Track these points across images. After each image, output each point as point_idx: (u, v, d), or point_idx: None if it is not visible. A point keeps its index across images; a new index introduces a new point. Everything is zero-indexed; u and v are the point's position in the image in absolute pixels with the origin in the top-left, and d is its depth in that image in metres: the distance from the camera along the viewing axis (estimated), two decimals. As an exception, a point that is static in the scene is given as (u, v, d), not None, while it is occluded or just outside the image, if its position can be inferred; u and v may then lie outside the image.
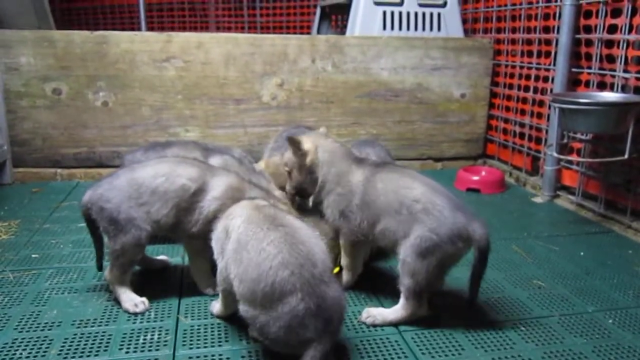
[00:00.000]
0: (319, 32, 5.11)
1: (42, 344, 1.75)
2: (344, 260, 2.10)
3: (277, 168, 2.49)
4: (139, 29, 5.21)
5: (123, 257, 1.94)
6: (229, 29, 6.10)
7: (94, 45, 3.51)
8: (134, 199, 1.92)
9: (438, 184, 1.91)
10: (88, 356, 1.69)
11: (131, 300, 1.97)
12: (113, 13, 6.23)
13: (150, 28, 5.67)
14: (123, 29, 3.70)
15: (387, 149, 2.90)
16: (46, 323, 1.88)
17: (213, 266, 1.96)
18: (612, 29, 2.94)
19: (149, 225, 1.93)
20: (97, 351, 1.72)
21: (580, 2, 3.09)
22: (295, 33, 5.80)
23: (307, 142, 2.07)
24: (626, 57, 2.83)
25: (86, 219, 1.98)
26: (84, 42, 3.50)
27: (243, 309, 1.58)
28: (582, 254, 2.55)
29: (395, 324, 1.89)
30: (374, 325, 1.89)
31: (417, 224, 1.81)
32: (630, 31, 2.81)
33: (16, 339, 1.77)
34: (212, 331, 1.85)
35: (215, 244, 1.77)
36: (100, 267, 2.10)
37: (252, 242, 1.58)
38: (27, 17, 4.18)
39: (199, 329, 1.86)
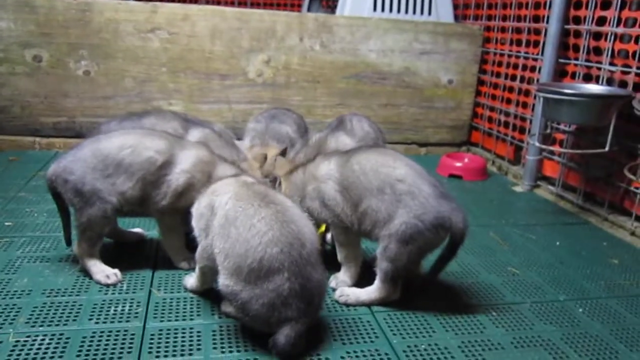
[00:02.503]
0: (309, 10, 5.04)
1: (10, 312, 1.72)
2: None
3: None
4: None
5: (90, 229, 1.91)
6: (218, 3, 5.98)
7: (77, 12, 3.42)
8: (99, 171, 1.87)
9: (420, 166, 1.89)
10: (57, 325, 1.67)
11: (102, 271, 1.95)
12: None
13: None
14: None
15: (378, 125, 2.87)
16: (15, 291, 1.85)
17: (187, 241, 1.95)
18: (601, 21, 2.93)
19: (115, 198, 1.89)
20: (67, 321, 1.70)
21: (571, -8, 3.08)
22: (285, 11, 5.71)
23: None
24: (613, 50, 2.84)
25: (52, 193, 1.94)
26: (67, 8, 3.41)
27: (225, 284, 1.56)
28: (558, 243, 2.58)
29: (368, 305, 1.89)
30: (347, 305, 1.89)
31: (401, 208, 1.78)
32: (618, 24, 2.81)
33: (-16, 306, 1.75)
34: (184, 305, 1.84)
35: (197, 221, 1.74)
36: (68, 242, 2.05)
37: (241, 218, 1.56)
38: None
39: (171, 302, 1.85)
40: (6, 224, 2.39)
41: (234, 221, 1.57)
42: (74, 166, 1.87)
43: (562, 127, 3.16)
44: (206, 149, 2.04)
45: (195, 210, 1.76)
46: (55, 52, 3.46)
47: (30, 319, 1.70)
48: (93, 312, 1.76)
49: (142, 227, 2.38)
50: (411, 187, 1.79)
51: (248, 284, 1.51)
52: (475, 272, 2.22)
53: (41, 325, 1.67)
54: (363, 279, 1.98)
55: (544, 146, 3.10)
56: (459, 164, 3.58)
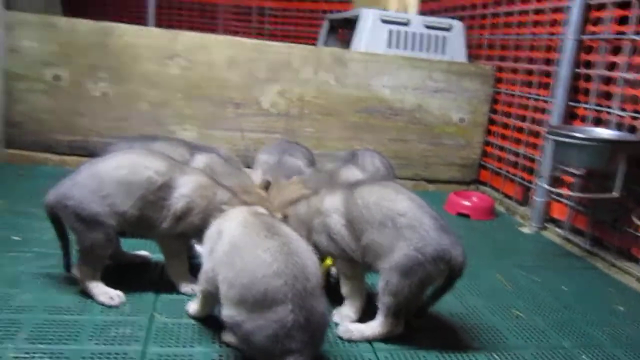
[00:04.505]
0: (325, 45, 5.14)
1: (10, 327, 1.72)
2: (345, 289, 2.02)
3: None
4: (146, 24, 5.22)
5: (92, 253, 1.91)
6: (236, 34, 6.12)
7: (98, 35, 3.52)
8: (97, 193, 1.88)
9: (422, 199, 1.90)
10: (57, 344, 1.67)
11: (105, 293, 1.95)
12: (123, 5, 6.24)
13: (158, 25, 5.68)
14: (130, 23, 3.71)
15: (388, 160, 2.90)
16: (18, 306, 1.85)
17: (191, 266, 1.96)
18: (612, 66, 2.96)
19: (114, 220, 1.90)
20: (67, 340, 1.70)
21: (582, 37, 3.12)
22: (301, 43, 5.83)
23: None
24: (623, 96, 2.86)
25: (52, 220, 1.95)
26: (89, 31, 3.50)
27: (228, 314, 1.55)
28: (564, 287, 2.55)
29: (372, 340, 1.87)
30: (351, 341, 1.87)
31: (402, 241, 1.79)
32: (629, 70, 2.83)
33: (-14, 320, 1.75)
34: (185, 331, 1.83)
35: (206, 243, 1.75)
36: (67, 268, 2.05)
37: (246, 248, 1.57)
38: (35, 0, 4.19)
39: (172, 328, 1.84)
40: (13, 237, 2.41)
41: (240, 250, 1.57)
42: (73, 191, 1.89)
43: (570, 169, 3.17)
44: (206, 174, 2.05)
45: (207, 232, 1.77)
46: (75, 72, 3.54)
47: (30, 335, 1.70)
48: (94, 332, 1.76)
49: (148, 250, 2.39)
50: (412, 221, 1.79)
51: (252, 315, 1.50)
52: (479, 313, 2.20)
53: (41, 343, 1.67)
54: (365, 314, 1.97)
55: (552, 189, 3.10)
56: (467, 203, 3.57)
